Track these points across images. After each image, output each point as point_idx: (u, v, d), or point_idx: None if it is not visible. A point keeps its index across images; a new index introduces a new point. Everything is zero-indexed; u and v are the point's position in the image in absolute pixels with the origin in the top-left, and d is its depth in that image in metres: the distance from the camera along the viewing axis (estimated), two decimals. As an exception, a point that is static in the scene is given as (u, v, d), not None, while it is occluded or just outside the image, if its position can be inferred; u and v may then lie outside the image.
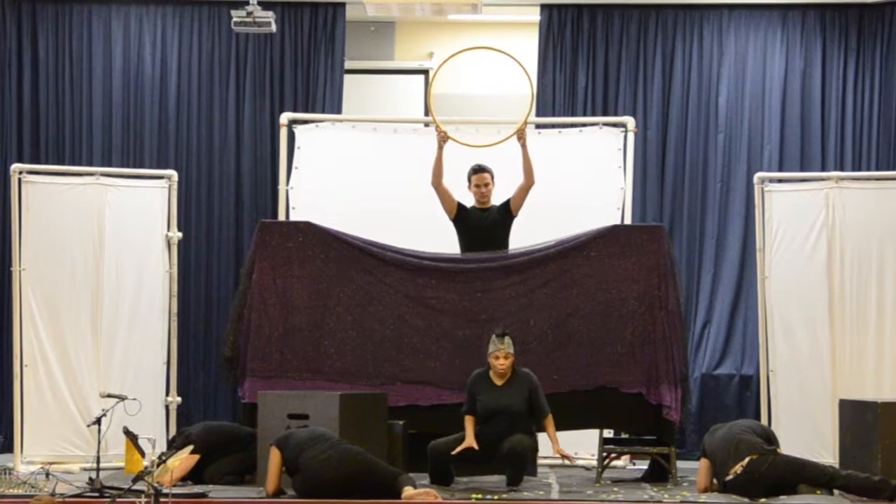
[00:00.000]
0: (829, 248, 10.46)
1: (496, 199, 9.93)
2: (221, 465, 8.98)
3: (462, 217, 9.90)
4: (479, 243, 9.79)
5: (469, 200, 9.97)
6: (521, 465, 8.82)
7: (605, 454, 9.54)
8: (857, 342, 10.39)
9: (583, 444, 10.34)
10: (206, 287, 12.46)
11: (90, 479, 8.37)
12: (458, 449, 8.75)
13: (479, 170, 9.88)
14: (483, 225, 9.84)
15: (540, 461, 9.60)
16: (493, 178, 9.88)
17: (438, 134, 9.85)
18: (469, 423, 8.89)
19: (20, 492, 8.20)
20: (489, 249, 9.73)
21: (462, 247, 9.90)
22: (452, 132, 10.55)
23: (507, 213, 9.88)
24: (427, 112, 12.58)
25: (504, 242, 9.85)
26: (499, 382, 8.93)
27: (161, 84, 12.55)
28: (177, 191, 11.02)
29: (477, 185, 9.87)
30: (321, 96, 12.53)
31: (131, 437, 9.14)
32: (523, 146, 9.80)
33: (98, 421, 8.83)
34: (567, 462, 8.90)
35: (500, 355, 8.88)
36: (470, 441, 8.77)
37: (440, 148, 9.83)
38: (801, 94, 12.44)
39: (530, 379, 8.94)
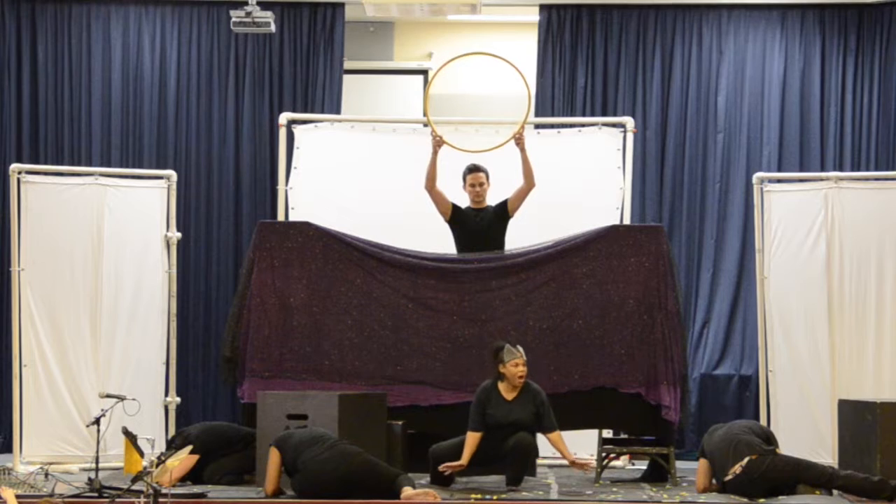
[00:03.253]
0: (829, 249, 10.46)
1: (493, 199, 9.93)
2: (221, 465, 8.98)
3: (457, 218, 9.91)
4: (476, 244, 9.80)
5: (464, 200, 9.97)
6: (524, 463, 8.82)
7: (604, 454, 9.54)
8: (856, 342, 10.39)
9: (582, 445, 10.33)
10: (206, 287, 12.46)
11: (89, 479, 8.37)
12: (451, 469, 8.68)
13: (474, 169, 9.91)
14: (479, 226, 9.85)
15: (539, 461, 9.60)
16: (488, 177, 9.91)
17: (434, 138, 9.86)
18: (473, 440, 8.74)
19: (20, 492, 8.19)
20: (485, 250, 9.73)
21: (458, 248, 9.90)
22: (452, 133, 10.56)
23: (503, 213, 9.89)
24: (425, 112, 12.61)
25: (500, 243, 9.85)
26: (509, 397, 8.84)
27: (160, 84, 12.55)
28: (176, 191, 11.02)
29: (472, 185, 9.88)
30: (320, 96, 12.53)
31: (130, 437, 9.15)
32: (522, 150, 9.80)
33: (97, 421, 8.82)
34: (585, 471, 8.83)
35: (521, 362, 8.79)
36: (463, 461, 8.66)
37: (435, 153, 9.84)
38: (801, 95, 12.44)
39: (539, 394, 8.85)
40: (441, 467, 8.69)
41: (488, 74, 11.81)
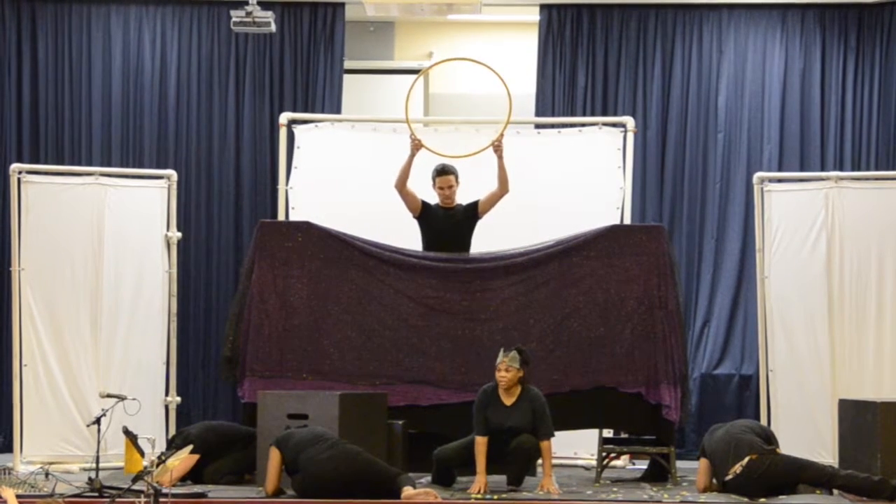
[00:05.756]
0: (829, 248, 10.46)
1: (470, 198, 9.89)
2: (221, 464, 8.99)
3: (426, 215, 9.88)
4: (442, 242, 9.77)
5: (434, 197, 9.94)
6: (525, 463, 8.82)
7: (604, 454, 9.55)
8: (856, 342, 10.39)
9: (582, 444, 10.35)
10: (206, 287, 12.46)
11: (90, 479, 8.38)
12: (474, 490, 8.58)
13: (442, 171, 9.85)
14: (446, 225, 9.82)
15: (539, 461, 9.59)
16: (457, 178, 9.87)
17: (412, 142, 9.84)
18: (481, 446, 8.68)
19: (20, 491, 8.19)
20: (451, 249, 9.71)
21: (424, 245, 9.87)
22: (451, 132, 10.55)
23: (472, 214, 9.86)
24: (426, 111, 12.61)
25: (466, 243, 9.83)
26: (507, 402, 8.81)
27: (160, 84, 12.55)
28: (176, 190, 11.02)
29: (441, 188, 9.86)
30: (320, 96, 12.53)
31: (131, 436, 9.14)
32: (499, 157, 9.77)
33: (97, 421, 8.83)
34: (553, 493, 8.77)
35: (502, 367, 8.76)
36: (480, 471, 8.60)
37: (412, 155, 9.82)
38: (801, 94, 12.44)
39: (537, 399, 8.81)
40: (470, 492, 8.56)
41: (487, 74, 11.79)
